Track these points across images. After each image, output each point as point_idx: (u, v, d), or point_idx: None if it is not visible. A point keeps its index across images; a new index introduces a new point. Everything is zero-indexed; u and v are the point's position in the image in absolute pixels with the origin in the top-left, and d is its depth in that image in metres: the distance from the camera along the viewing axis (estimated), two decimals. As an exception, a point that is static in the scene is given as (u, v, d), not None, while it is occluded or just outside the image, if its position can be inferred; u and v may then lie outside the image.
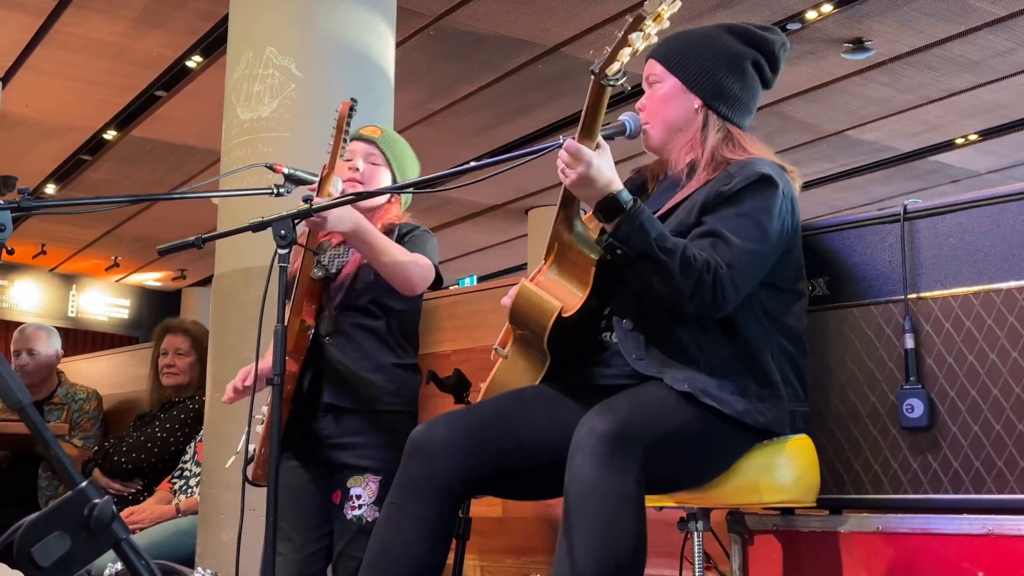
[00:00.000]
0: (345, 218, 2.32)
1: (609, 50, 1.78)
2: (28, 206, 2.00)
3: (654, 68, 2.14)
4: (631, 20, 1.72)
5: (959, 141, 9.36)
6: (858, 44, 7.23)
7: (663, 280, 1.87)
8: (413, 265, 2.41)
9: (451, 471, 1.92)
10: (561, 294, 2.01)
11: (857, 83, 7.96)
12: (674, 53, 2.12)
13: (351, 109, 2.31)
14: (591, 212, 1.94)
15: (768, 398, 1.97)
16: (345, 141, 2.35)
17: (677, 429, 1.87)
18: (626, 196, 1.87)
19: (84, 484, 1.02)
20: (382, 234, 2.42)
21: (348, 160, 2.59)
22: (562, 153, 1.87)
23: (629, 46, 1.75)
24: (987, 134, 9.18)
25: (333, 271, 2.53)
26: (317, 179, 2.39)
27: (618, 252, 1.88)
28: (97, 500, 1.02)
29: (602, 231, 1.92)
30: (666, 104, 2.12)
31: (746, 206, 1.96)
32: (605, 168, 1.87)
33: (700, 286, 1.87)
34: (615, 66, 1.78)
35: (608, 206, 1.87)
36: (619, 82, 1.81)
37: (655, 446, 1.80)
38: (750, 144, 2.10)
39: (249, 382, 2.37)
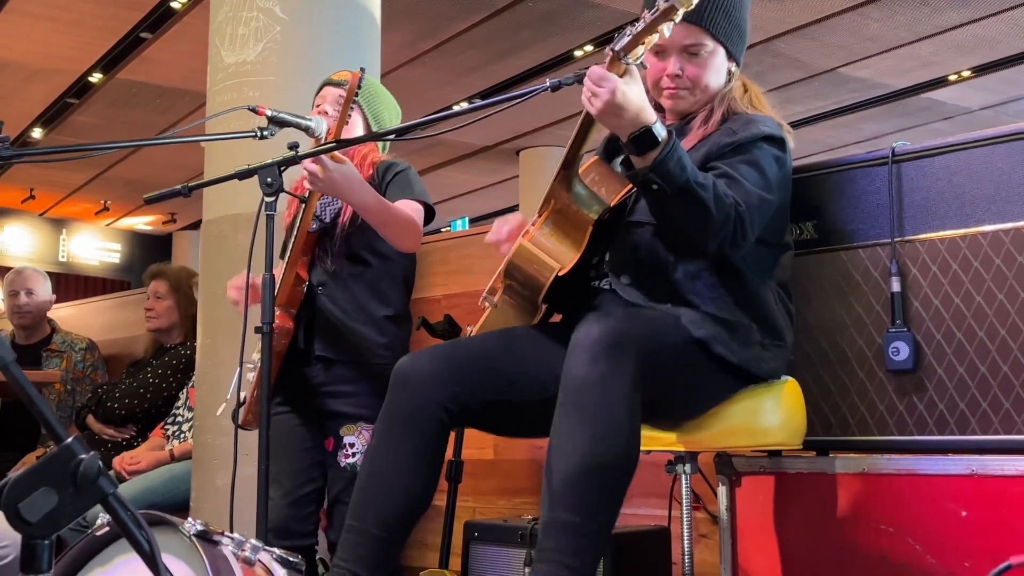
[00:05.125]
0: (340, 183, 2.30)
1: (632, 34, 1.73)
2: (8, 155, 1.98)
3: (701, 39, 2.03)
4: (663, 9, 1.67)
5: (952, 78, 9.30)
6: (851, -21, 7.15)
7: (697, 215, 1.83)
8: (409, 223, 2.41)
9: (436, 400, 1.92)
10: (556, 253, 2.01)
11: (850, 20, 7.89)
12: (721, 21, 2.04)
13: (360, 80, 2.29)
14: (599, 153, 1.90)
15: (770, 346, 1.99)
16: (351, 111, 2.33)
17: (672, 347, 1.88)
18: (661, 129, 1.80)
19: (70, 440, 1.02)
20: (378, 195, 2.40)
21: (318, 106, 2.57)
22: (587, 80, 1.79)
23: (656, 33, 1.71)
24: (980, 70, 9.12)
25: (328, 220, 2.51)
26: (301, 121, 2.36)
27: (654, 188, 1.81)
28: (83, 456, 1.02)
29: (628, 164, 1.89)
30: (716, 73, 2.07)
31: (752, 155, 1.96)
32: (633, 96, 1.77)
33: (727, 222, 1.85)
34: (639, 50, 1.75)
35: (642, 139, 1.79)
36: (637, 61, 1.77)
37: (650, 356, 1.80)
38: (757, 98, 2.09)
39: (241, 283, 2.39)
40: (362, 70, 2.31)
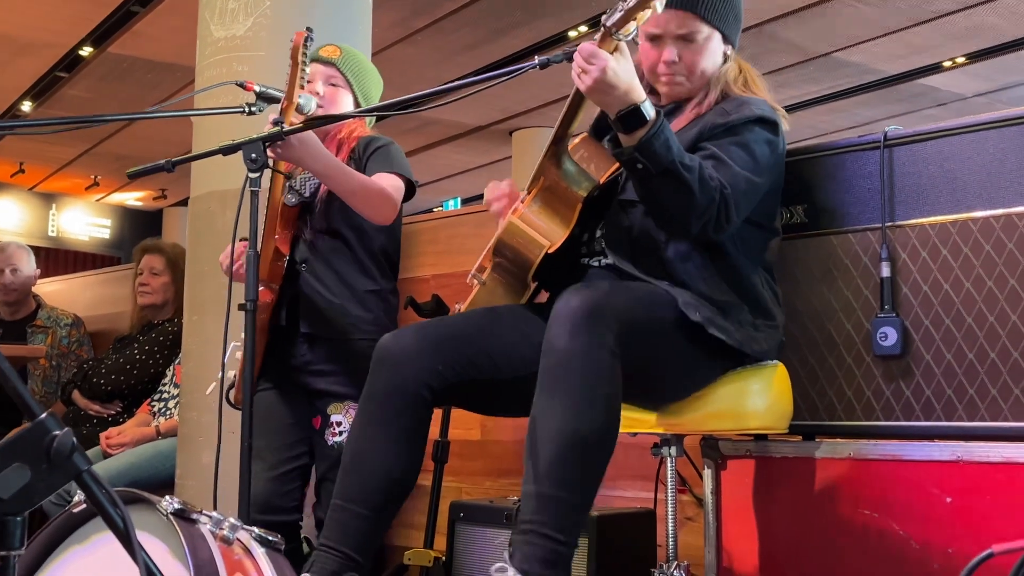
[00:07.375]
0: (296, 148, 2.26)
1: (624, 9, 1.72)
2: (-4, 128, 1.96)
3: (696, 26, 2.02)
4: None
5: (946, 64, 9.28)
6: (847, -37, 7.11)
7: (681, 197, 1.83)
8: (379, 194, 2.37)
9: (418, 378, 1.92)
10: (546, 230, 2.00)
11: (845, 4, 7.85)
12: (717, 4, 2.02)
13: (306, 40, 2.24)
14: (590, 130, 1.89)
15: (763, 327, 1.99)
16: (304, 72, 2.29)
17: (658, 320, 1.88)
18: (649, 108, 1.80)
19: (44, 416, 1.01)
20: (340, 162, 2.37)
21: (308, 83, 2.54)
22: (576, 56, 1.79)
23: (648, 8, 1.71)
24: (975, 57, 9.10)
25: (307, 195, 2.49)
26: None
27: (639, 167, 1.81)
28: (57, 432, 1.01)
29: (616, 142, 1.88)
30: (712, 58, 2.06)
31: (743, 137, 1.95)
32: (623, 73, 1.78)
33: (711, 205, 1.85)
34: (631, 26, 1.74)
35: (630, 118, 1.80)
36: (629, 38, 1.76)
37: (631, 324, 1.79)
38: (752, 81, 2.09)
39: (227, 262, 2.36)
40: (308, 29, 2.24)
